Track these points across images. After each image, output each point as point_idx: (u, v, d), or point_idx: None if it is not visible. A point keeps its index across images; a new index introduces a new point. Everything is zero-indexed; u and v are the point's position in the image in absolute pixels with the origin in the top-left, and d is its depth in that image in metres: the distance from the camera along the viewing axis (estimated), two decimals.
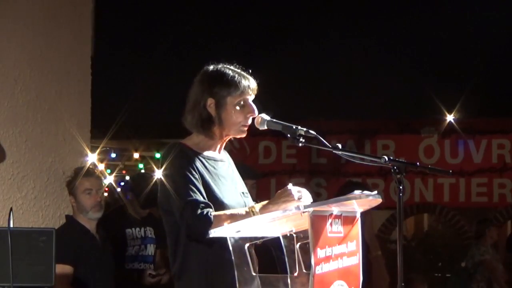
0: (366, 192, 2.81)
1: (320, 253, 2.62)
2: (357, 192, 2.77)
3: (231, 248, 2.83)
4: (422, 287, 8.73)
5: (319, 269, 2.61)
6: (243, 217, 2.92)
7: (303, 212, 2.62)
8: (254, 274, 2.87)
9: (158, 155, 11.73)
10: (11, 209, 3.77)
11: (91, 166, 4.85)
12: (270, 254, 3.15)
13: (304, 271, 2.78)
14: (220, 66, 3.23)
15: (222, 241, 2.90)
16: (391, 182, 10.04)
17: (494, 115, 11.41)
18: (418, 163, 3.03)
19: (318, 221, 2.63)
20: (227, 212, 3.03)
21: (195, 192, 3.01)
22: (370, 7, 13.62)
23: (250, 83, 3.19)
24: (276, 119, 3.15)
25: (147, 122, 12.40)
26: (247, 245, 2.86)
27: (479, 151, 10.87)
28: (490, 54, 13.09)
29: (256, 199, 3.41)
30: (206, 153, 3.19)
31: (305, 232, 2.69)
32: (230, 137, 3.23)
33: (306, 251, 2.70)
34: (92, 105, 5.43)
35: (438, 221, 12.63)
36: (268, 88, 3.35)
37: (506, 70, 12.83)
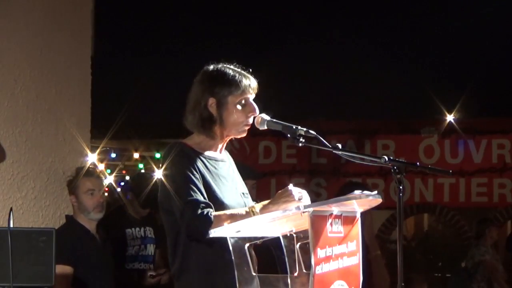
0: (366, 192, 2.81)
1: (320, 253, 2.62)
2: (357, 192, 2.77)
3: (231, 248, 2.83)
4: (422, 287, 8.74)
5: (319, 269, 2.61)
6: (243, 217, 2.92)
7: (303, 212, 2.62)
8: (254, 274, 2.87)
9: (158, 155, 11.74)
10: (11, 209, 3.77)
11: (92, 166, 4.85)
12: (270, 254, 3.15)
13: (304, 271, 2.78)
14: (220, 65, 3.23)
15: (222, 241, 2.90)
16: (391, 182, 10.04)
17: (494, 115, 11.41)
18: (418, 163, 3.03)
19: (318, 221, 2.63)
20: (227, 212, 3.03)
21: (196, 192, 3.01)
22: (370, 7, 13.62)
23: (250, 82, 3.19)
24: (276, 119, 3.15)
25: (147, 122, 12.39)
26: (247, 245, 2.87)
27: (479, 151, 10.87)
28: (490, 54, 13.09)
29: (256, 199, 3.41)
30: (207, 153, 3.19)
31: (305, 232, 2.69)
32: (230, 137, 3.23)
33: (306, 251, 2.70)
34: (92, 105, 5.43)
35: (438, 221, 12.64)
36: (268, 88, 3.35)
37: (506, 70, 12.83)
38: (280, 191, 3.06)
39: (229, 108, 3.15)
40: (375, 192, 2.87)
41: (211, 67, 3.23)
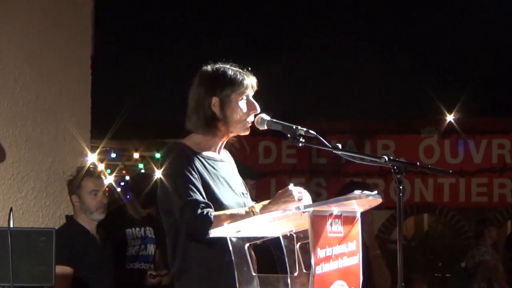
0: (366, 192, 2.81)
1: (320, 253, 2.62)
2: (357, 192, 2.77)
3: (231, 248, 2.84)
4: (422, 287, 8.74)
5: (319, 269, 2.61)
6: (243, 217, 2.92)
7: (303, 212, 2.62)
8: (254, 274, 2.87)
9: (158, 155, 11.73)
10: (11, 209, 3.77)
11: (93, 167, 4.85)
12: (270, 254, 3.15)
13: (304, 271, 2.78)
14: (218, 65, 3.24)
15: (222, 241, 2.90)
16: (391, 182, 10.04)
17: (494, 115, 11.41)
18: (418, 163, 3.03)
19: (318, 221, 2.63)
20: (227, 212, 3.03)
21: (195, 192, 3.02)
22: (370, 7, 13.62)
23: (251, 80, 3.22)
24: (276, 119, 3.16)
25: (147, 122, 12.39)
26: (247, 245, 2.87)
27: (479, 151, 10.87)
28: (490, 54, 13.08)
29: (256, 199, 3.41)
30: (205, 153, 3.19)
31: (305, 232, 2.69)
32: (234, 134, 3.24)
33: (306, 251, 2.70)
34: (92, 105, 5.43)
35: (438, 221, 12.63)
36: (268, 88, 3.35)
37: (506, 70, 12.83)
38: (280, 191, 3.06)
39: (232, 106, 3.16)
40: (375, 192, 2.87)
41: (209, 67, 3.25)
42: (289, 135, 3.10)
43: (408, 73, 12.64)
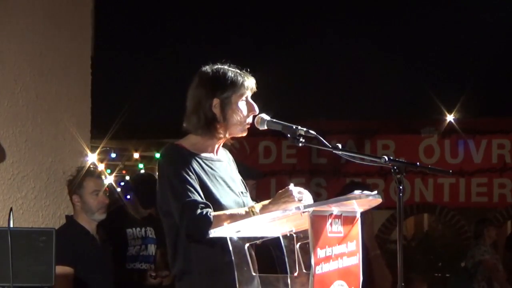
0: (366, 192, 2.81)
1: (320, 253, 2.62)
2: (357, 192, 2.77)
3: (231, 248, 2.84)
4: (422, 287, 8.74)
5: (319, 269, 2.61)
6: (243, 217, 2.92)
7: (303, 212, 2.62)
8: (254, 274, 2.87)
9: (158, 155, 11.72)
10: (11, 209, 3.78)
11: (94, 167, 4.84)
12: (270, 254, 3.15)
13: (304, 271, 2.78)
14: (217, 66, 3.24)
15: (222, 241, 2.90)
16: (391, 182, 10.04)
17: (494, 115, 11.41)
18: (418, 163, 3.03)
19: (318, 221, 2.63)
20: (227, 212, 3.03)
21: (193, 193, 3.02)
22: (370, 7, 13.61)
23: (250, 82, 3.22)
24: (276, 119, 3.16)
25: (147, 122, 12.39)
26: (247, 245, 2.87)
27: (479, 151, 10.87)
28: (490, 54, 13.08)
29: (256, 199, 3.41)
30: (202, 154, 3.19)
31: (305, 232, 2.69)
32: (233, 136, 3.24)
33: (306, 251, 2.70)
34: (92, 105, 5.43)
35: (438, 221, 12.63)
36: (268, 88, 3.36)
37: (506, 70, 12.83)
38: (280, 191, 3.06)
39: (232, 107, 3.16)
40: (375, 192, 2.87)
41: (209, 68, 3.24)
42: (289, 135, 3.10)
43: (408, 73, 12.64)
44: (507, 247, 10.58)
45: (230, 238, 2.83)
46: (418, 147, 10.96)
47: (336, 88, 12.29)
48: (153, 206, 5.31)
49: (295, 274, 2.82)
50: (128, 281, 5.11)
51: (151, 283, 5.22)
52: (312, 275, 2.59)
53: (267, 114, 3.18)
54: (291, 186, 3.04)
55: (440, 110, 10.80)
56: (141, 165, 12.90)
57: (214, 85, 3.17)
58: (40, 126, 5.05)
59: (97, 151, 6.41)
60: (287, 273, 2.85)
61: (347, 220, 2.79)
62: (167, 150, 3.17)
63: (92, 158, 5.38)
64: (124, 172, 13.37)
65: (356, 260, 2.85)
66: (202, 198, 3.02)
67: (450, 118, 10.84)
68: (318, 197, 9.86)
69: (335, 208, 2.72)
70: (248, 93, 3.20)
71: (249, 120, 3.19)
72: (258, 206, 3.06)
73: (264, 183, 9.89)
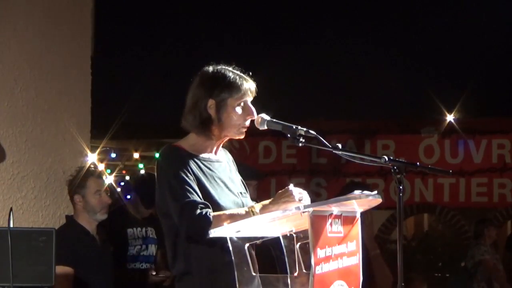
0: (366, 192, 2.81)
1: (320, 253, 2.62)
2: (357, 192, 2.77)
3: (231, 248, 2.83)
4: (422, 287, 8.73)
5: (319, 269, 2.61)
6: (243, 217, 2.92)
7: (303, 212, 2.62)
8: (254, 274, 2.87)
9: (158, 155, 11.72)
10: (11, 209, 3.77)
11: (95, 167, 4.84)
12: (270, 254, 3.15)
13: (304, 271, 2.78)
14: (220, 67, 3.23)
15: (222, 241, 2.90)
16: (391, 182, 10.04)
17: (494, 115, 11.41)
18: (418, 163, 3.03)
19: (318, 221, 2.63)
20: (227, 212, 3.03)
21: (192, 193, 3.01)
22: (370, 7, 13.62)
23: (250, 86, 3.19)
24: (276, 119, 3.15)
25: (147, 122, 12.40)
26: (247, 245, 2.87)
27: (479, 151, 10.87)
28: (490, 54, 13.08)
29: (256, 199, 3.41)
30: (201, 155, 3.18)
31: (305, 232, 2.69)
32: (229, 137, 3.23)
33: (306, 251, 2.70)
34: (92, 105, 5.43)
35: (438, 221, 12.63)
36: (268, 88, 3.35)
37: (506, 70, 12.83)
38: (280, 191, 3.06)
39: (228, 110, 3.14)
40: (375, 192, 2.87)
41: (211, 68, 3.23)
42: (289, 135, 3.09)
43: (408, 73, 12.65)
44: (508, 247, 10.58)
45: (230, 238, 2.83)
46: (418, 147, 10.95)
47: (336, 88, 12.30)
48: (154, 206, 5.31)
49: (295, 274, 2.82)
50: (129, 281, 5.12)
51: (154, 281, 5.23)
52: (312, 275, 2.59)
53: (267, 114, 3.17)
54: (291, 186, 3.04)
55: (440, 110, 10.81)
56: (141, 165, 12.90)
57: (212, 86, 3.16)
58: (40, 126, 5.05)
59: (97, 151, 6.40)
60: (287, 273, 2.85)
61: (347, 220, 2.79)
62: (165, 151, 3.17)
63: (92, 158, 5.38)
64: (124, 172, 13.37)
65: (356, 260, 2.85)
66: (201, 199, 3.02)
67: (450, 118, 10.84)
68: (318, 197, 9.87)
69: (335, 208, 2.72)
70: (247, 97, 3.17)
71: (247, 123, 3.18)
72: (258, 206, 3.06)
73: (264, 183, 9.88)
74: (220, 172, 3.21)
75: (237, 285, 2.83)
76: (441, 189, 10.99)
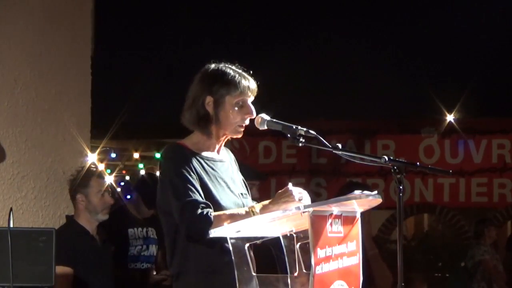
0: (366, 192, 2.81)
1: (320, 253, 2.62)
2: (357, 192, 2.77)
3: (231, 248, 2.83)
4: (422, 287, 8.74)
5: (319, 269, 2.61)
6: (243, 217, 2.92)
7: (303, 212, 2.62)
8: (253, 274, 2.87)
9: (158, 155, 11.73)
10: (11, 209, 3.77)
11: (95, 167, 4.84)
12: (270, 254, 3.15)
13: (304, 271, 2.78)
14: (221, 65, 3.22)
15: (221, 241, 2.90)
16: (391, 182, 10.05)
17: (494, 115, 11.41)
18: (418, 163, 3.03)
19: (318, 221, 2.63)
20: (227, 212, 3.03)
21: (194, 193, 3.01)
22: (370, 7, 13.61)
23: (250, 84, 3.18)
24: (276, 119, 3.15)
25: (147, 122, 12.39)
26: (247, 245, 2.86)
27: (479, 151, 10.88)
28: (490, 54, 13.08)
29: (259, 199, 3.40)
30: (204, 154, 3.18)
31: (305, 232, 2.69)
32: (228, 137, 3.23)
33: (306, 251, 2.70)
34: (92, 105, 5.43)
35: (438, 221, 12.63)
36: (268, 88, 3.35)
37: (506, 70, 12.83)
38: (280, 191, 3.05)
39: (226, 108, 3.14)
40: (375, 192, 2.87)
41: (212, 66, 3.23)
42: (289, 135, 3.09)
43: (408, 73, 12.65)
44: (508, 247, 10.59)
45: (230, 238, 2.83)
46: (418, 147, 10.96)
47: (336, 88, 12.29)
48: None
49: (295, 274, 2.82)
50: (130, 280, 5.12)
51: (154, 280, 5.23)
52: (312, 275, 2.59)
53: (267, 114, 3.17)
54: (291, 186, 3.04)
55: (440, 110, 10.81)
56: (141, 165, 12.89)
57: (210, 83, 3.16)
58: (40, 126, 5.05)
59: (97, 151, 6.40)
60: (287, 273, 2.85)
61: (347, 220, 2.79)
62: (169, 149, 3.16)
63: (92, 158, 5.37)
64: (124, 172, 13.36)
65: (356, 260, 2.85)
66: (202, 198, 3.02)
67: (450, 118, 10.84)
68: (318, 197, 9.87)
69: (335, 208, 2.72)
70: (246, 96, 3.16)
71: (246, 122, 3.17)
72: (258, 206, 3.06)
73: (264, 183, 9.86)
74: (223, 172, 3.21)
75: (237, 285, 2.83)
76: (441, 189, 11.00)
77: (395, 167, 2.87)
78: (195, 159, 3.12)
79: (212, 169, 3.17)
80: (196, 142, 3.19)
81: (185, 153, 3.12)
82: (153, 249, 5.35)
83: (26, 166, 4.95)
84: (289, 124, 3.12)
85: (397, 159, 2.93)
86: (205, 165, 3.14)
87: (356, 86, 12.48)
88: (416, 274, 9.58)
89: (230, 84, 3.15)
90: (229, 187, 3.19)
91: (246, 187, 3.34)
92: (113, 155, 12.73)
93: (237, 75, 3.17)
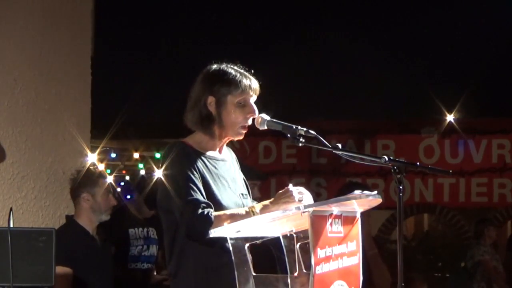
0: (366, 192, 2.81)
1: (320, 253, 2.62)
2: (357, 192, 2.77)
3: (231, 248, 2.83)
4: (422, 287, 8.74)
5: (319, 269, 2.61)
6: (243, 217, 2.92)
7: (303, 212, 2.62)
8: (253, 274, 2.87)
9: (158, 155, 11.73)
10: (11, 209, 3.77)
11: (95, 167, 4.83)
12: (270, 254, 3.15)
13: (304, 271, 2.79)
14: (223, 65, 3.22)
15: (220, 241, 2.90)
16: (391, 182, 10.05)
17: (494, 115, 11.42)
18: (418, 163, 3.03)
19: (318, 221, 2.63)
20: (227, 212, 3.03)
21: (196, 192, 3.01)
22: (370, 7, 13.62)
23: (251, 83, 3.18)
24: (276, 119, 3.15)
25: (147, 122, 12.39)
26: (247, 245, 2.86)
27: (479, 151, 10.88)
28: (490, 54, 13.08)
29: (261, 198, 3.40)
30: (207, 153, 3.18)
31: (305, 232, 2.69)
32: (230, 138, 3.23)
33: (306, 251, 2.70)
34: (92, 105, 5.43)
35: (438, 221, 12.64)
36: (268, 88, 3.35)
37: (506, 70, 12.83)
38: (280, 191, 3.05)
39: (227, 107, 3.14)
40: (375, 192, 2.87)
41: (214, 66, 3.23)
42: (289, 135, 3.09)
43: (408, 73, 12.64)
44: (508, 247, 10.58)
45: (230, 238, 2.83)
46: (418, 147, 10.96)
47: (336, 88, 12.30)
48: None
49: (295, 274, 2.82)
50: (130, 281, 5.12)
51: (156, 280, 5.23)
52: (312, 275, 2.59)
53: (267, 114, 3.17)
54: (291, 186, 3.04)
55: (440, 110, 10.81)
56: (141, 165, 12.88)
57: (212, 82, 3.16)
58: (40, 126, 5.05)
59: (97, 151, 6.39)
60: (287, 273, 2.85)
61: (347, 220, 2.79)
62: (172, 146, 3.14)
63: (92, 158, 5.37)
64: (124, 172, 13.35)
65: (356, 260, 2.85)
66: (204, 198, 3.02)
67: (450, 118, 10.84)
68: (318, 197, 9.86)
69: (335, 208, 2.72)
70: (248, 95, 3.16)
71: (248, 122, 3.17)
72: (258, 206, 3.05)
73: (264, 183, 9.88)
74: (224, 172, 3.21)
75: (237, 285, 2.83)
76: (441, 189, 11.00)
77: (395, 167, 2.87)
78: (199, 158, 3.12)
79: (215, 168, 3.17)
80: (199, 141, 3.19)
81: (188, 152, 3.12)
82: (153, 249, 5.35)
83: (26, 166, 4.95)
84: (289, 124, 3.12)
85: (397, 159, 2.93)
86: (207, 164, 3.14)
87: (356, 86, 12.48)
88: (416, 274, 9.59)
89: (231, 84, 3.14)
90: (230, 187, 3.19)
91: (247, 187, 3.34)
92: (113, 155, 12.72)
93: (238, 75, 3.17)
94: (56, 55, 5.19)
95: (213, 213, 2.97)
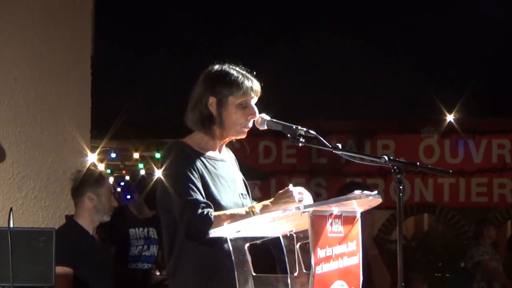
0: (366, 192, 2.81)
1: (320, 253, 2.62)
2: (357, 192, 2.77)
3: (231, 248, 2.83)
4: (422, 287, 8.74)
5: (319, 269, 2.61)
6: (243, 217, 2.92)
7: (303, 212, 2.62)
8: (253, 274, 2.87)
9: (158, 155, 11.74)
10: (11, 209, 3.77)
11: (95, 167, 4.84)
12: (270, 254, 3.15)
13: (304, 271, 2.78)
14: (225, 66, 3.22)
15: (219, 241, 2.90)
16: (391, 182, 10.05)
17: (494, 115, 11.42)
18: (418, 163, 3.03)
19: (318, 221, 2.63)
20: (227, 212, 3.03)
21: (195, 192, 3.01)
22: (370, 7, 13.62)
23: (253, 85, 3.18)
24: (276, 119, 3.15)
25: (147, 122, 12.40)
26: (247, 245, 2.86)
27: (479, 151, 10.89)
28: (490, 54, 13.09)
29: (261, 198, 3.40)
30: (207, 153, 3.18)
31: (305, 232, 2.69)
32: (232, 138, 3.23)
33: (306, 251, 2.70)
34: (92, 105, 5.43)
35: (438, 221, 12.63)
36: (268, 88, 3.35)
37: (506, 70, 12.84)
38: (280, 191, 3.05)
39: (229, 108, 3.14)
40: (375, 192, 2.87)
41: (216, 66, 3.23)
42: (289, 135, 3.09)
43: (408, 73, 12.65)
44: (508, 247, 10.58)
45: (230, 238, 2.83)
46: (418, 147, 10.96)
47: (336, 88, 12.30)
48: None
49: (295, 274, 2.82)
50: (130, 281, 5.12)
51: (157, 280, 5.23)
52: (312, 275, 2.59)
53: (267, 114, 3.17)
54: (291, 187, 3.04)
55: (440, 110, 10.81)
56: (141, 165, 12.90)
57: (213, 83, 3.16)
58: (40, 126, 5.05)
59: (97, 151, 6.40)
60: (287, 273, 2.85)
61: (347, 220, 2.79)
62: (172, 147, 3.14)
63: (92, 158, 5.37)
64: (124, 172, 13.38)
65: (356, 260, 2.85)
66: (203, 198, 3.02)
67: (450, 118, 10.84)
68: (318, 197, 9.87)
69: (335, 208, 2.72)
70: (249, 97, 3.15)
71: (249, 124, 3.16)
72: (258, 206, 3.05)
73: (264, 183, 9.88)
74: (224, 172, 3.21)
75: (237, 285, 2.83)
76: (441, 189, 11.01)
77: (395, 167, 2.87)
78: (198, 158, 3.12)
79: (214, 168, 3.17)
80: (199, 142, 3.19)
81: (188, 152, 3.12)
82: (154, 249, 5.35)
83: (26, 166, 4.95)
84: (289, 124, 3.12)
85: (397, 159, 2.93)
86: (207, 164, 3.14)
87: (356, 86, 12.49)
88: (416, 274, 9.59)
89: (233, 85, 3.14)
90: (229, 187, 3.19)
91: (246, 187, 3.34)
92: (113, 155, 12.74)
93: (240, 76, 3.17)
94: (56, 55, 5.19)
95: (212, 213, 2.97)
